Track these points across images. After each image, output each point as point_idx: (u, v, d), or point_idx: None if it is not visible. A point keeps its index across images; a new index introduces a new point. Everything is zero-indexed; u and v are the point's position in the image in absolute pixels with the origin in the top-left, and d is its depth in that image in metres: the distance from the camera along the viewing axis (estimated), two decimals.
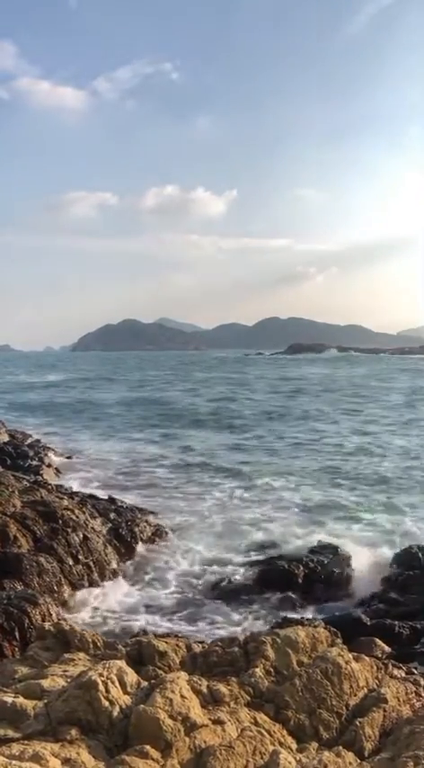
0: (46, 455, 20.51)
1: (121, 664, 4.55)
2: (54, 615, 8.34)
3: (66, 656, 5.43)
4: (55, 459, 20.73)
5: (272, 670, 5.33)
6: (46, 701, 4.35)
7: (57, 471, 19.09)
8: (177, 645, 5.80)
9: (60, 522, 10.99)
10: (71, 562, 10.29)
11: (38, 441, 24.11)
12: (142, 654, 5.50)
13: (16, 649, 7.34)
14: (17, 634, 7.62)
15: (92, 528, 11.45)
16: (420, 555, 10.63)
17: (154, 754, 3.88)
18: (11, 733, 3.98)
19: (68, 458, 21.62)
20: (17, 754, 3.50)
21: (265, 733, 4.56)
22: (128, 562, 11.37)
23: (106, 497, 14.15)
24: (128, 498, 15.37)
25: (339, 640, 6.10)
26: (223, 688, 4.91)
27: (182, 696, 4.37)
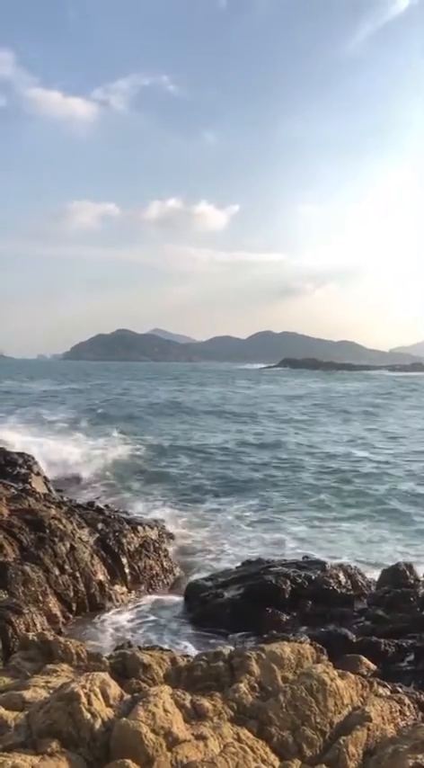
0: (35, 463, 20.38)
1: (104, 676, 4.50)
2: (38, 625, 8.28)
3: (49, 666, 5.38)
4: (44, 467, 20.63)
5: (257, 686, 5.29)
6: (27, 712, 4.30)
7: (46, 480, 18.98)
8: (161, 658, 5.75)
9: (47, 531, 10.91)
10: (57, 572, 10.21)
11: (27, 449, 23.97)
12: (126, 666, 5.45)
13: None
14: (0, 643, 7.56)
15: (80, 538, 11.37)
16: (408, 573, 10.61)
17: None
18: None
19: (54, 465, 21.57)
20: None
21: (248, 749, 4.52)
22: (115, 573, 11.28)
23: (94, 507, 14.07)
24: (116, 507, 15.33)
25: (324, 657, 6.07)
26: (206, 703, 4.86)
27: (165, 710, 4.32)
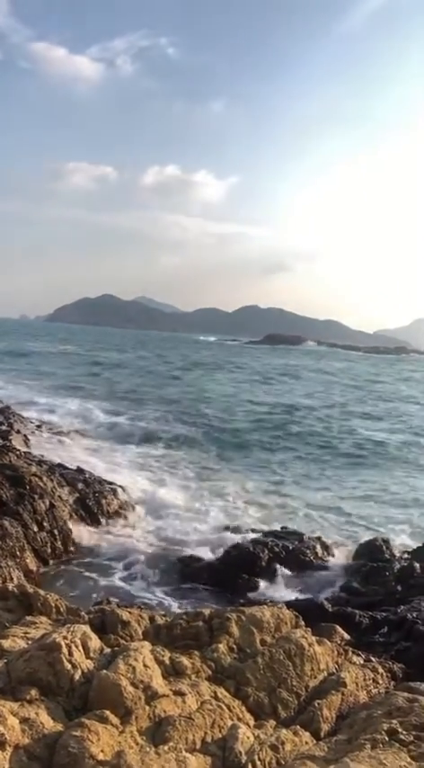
0: (16, 422, 20.23)
1: (86, 628, 4.48)
2: (15, 579, 8.24)
3: (28, 618, 5.35)
4: (25, 427, 20.47)
5: (235, 647, 5.31)
6: (5, 660, 4.27)
7: (26, 439, 18.82)
8: (140, 615, 5.74)
9: (27, 487, 10.84)
10: (35, 528, 10.17)
11: (7, 407, 23.74)
12: (105, 622, 5.43)
13: None
14: None
15: (59, 496, 11.33)
16: (384, 547, 10.73)
17: (114, 719, 3.83)
18: None
19: (38, 427, 21.38)
20: None
21: (224, 707, 4.54)
22: (93, 533, 11.27)
23: (75, 467, 14.00)
24: (98, 470, 15.24)
25: (302, 623, 6.11)
26: (185, 661, 4.87)
27: (145, 665, 4.31)
